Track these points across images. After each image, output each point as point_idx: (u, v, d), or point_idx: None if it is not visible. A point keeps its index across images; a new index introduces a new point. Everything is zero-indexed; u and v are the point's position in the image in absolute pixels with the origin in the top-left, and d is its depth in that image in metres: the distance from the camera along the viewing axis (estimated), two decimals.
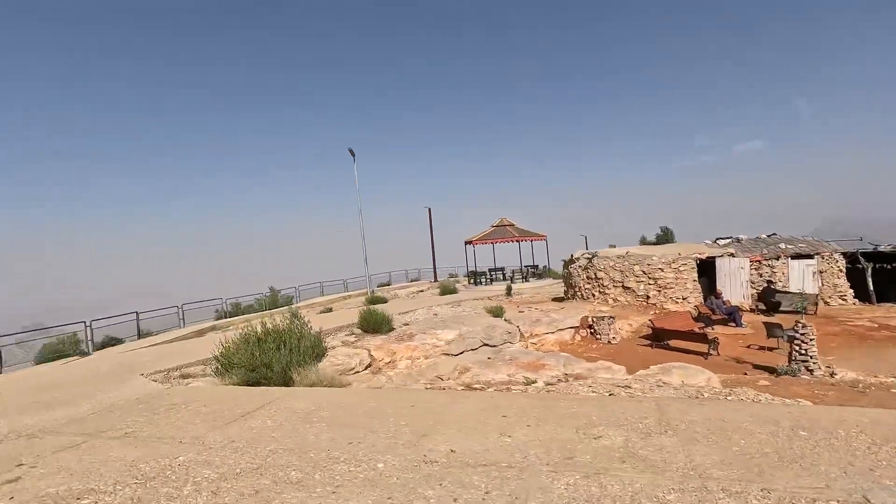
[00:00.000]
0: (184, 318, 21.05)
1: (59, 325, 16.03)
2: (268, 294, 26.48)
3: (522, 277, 29.71)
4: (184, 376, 8.90)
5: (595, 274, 17.54)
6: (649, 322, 14.31)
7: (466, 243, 30.31)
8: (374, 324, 12.98)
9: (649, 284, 16.26)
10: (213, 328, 20.09)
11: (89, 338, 16.13)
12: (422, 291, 31.91)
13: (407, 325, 14.41)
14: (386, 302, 21.03)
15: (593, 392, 5.95)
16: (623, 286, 16.79)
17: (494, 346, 13.05)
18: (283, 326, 7.48)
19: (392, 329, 13.52)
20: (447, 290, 25.43)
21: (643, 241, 29.40)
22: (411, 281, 39.15)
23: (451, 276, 41.52)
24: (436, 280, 35.96)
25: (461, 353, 12.56)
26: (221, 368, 6.86)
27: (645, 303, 16.31)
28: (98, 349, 16.36)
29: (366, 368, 11.27)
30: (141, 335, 18.59)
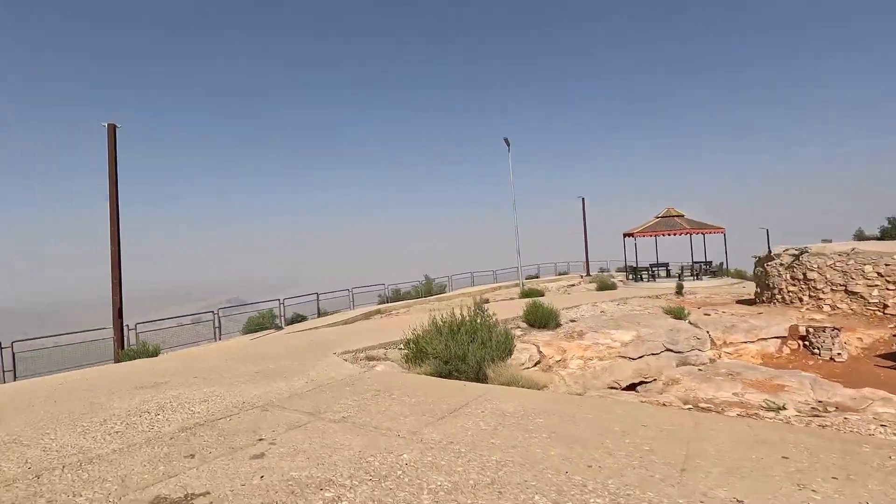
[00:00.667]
0: (353, 301, 22.88)
1: (258, 302, 18.43)
2: (423, 282, 27.57)
3: (693, 275, 26.34)
4: (368, 358, 9.25)
5: (804, 274, 14.45)
6: None
7: (625, 235, 27.93)
8: (540, 318, 12.31)
9: (888, 289, 12.81)
10: (378, 312, 21.46)
11: (282, 314, 18.33)
12: (573, 285, 30.36)
13: (574, 321, 13.45)
14: (543, 295, 20.21)
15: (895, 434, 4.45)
16: (846, 290, 13.52)
17: (680, 352, 11.43)
18: (464, 317, 7.19)
19: (559, 325, 12.70)
20: (605, 286, 23.65)
21: (859, 236, 23.79)
22: (559, 274, 37.68)
23: (602, 270, 38.98)
24: (588, 274, 33.99)
25: (640, 356, 11.24)
26: (412, 356, 6.79)
27: (881, 312, 12.90)
28: (288, 324, 18.51)
29: (535, 365, 10.66)
30: (320, 314, 20.61)
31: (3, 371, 11.34)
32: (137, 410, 5.36)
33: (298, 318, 19.41)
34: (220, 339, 15.93)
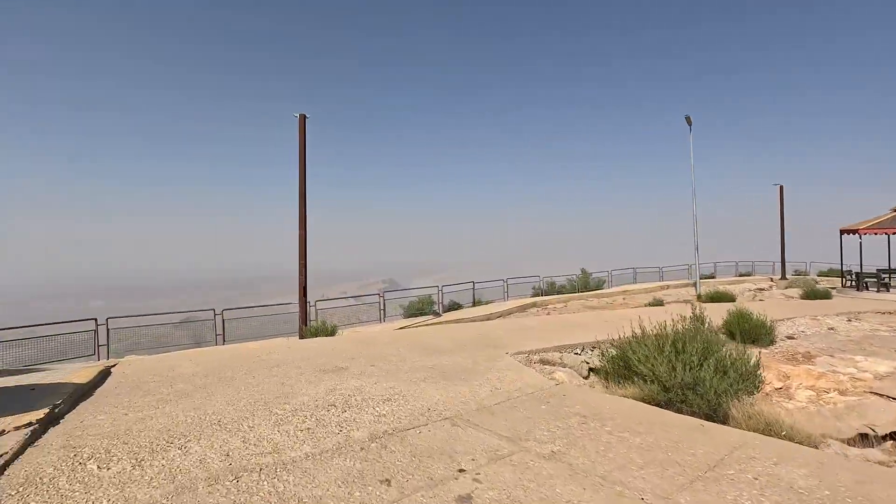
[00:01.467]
0: (507, 292, 22.17)
1: (416, 288, 18.73)
2: (579, 276, 25.68)
3: None
4: (543, 362, 8.25)
5: None
6: None
7: (844, 232, 22.30)
8: (749, 331, 9.94)
9: None
10: (533, 304, 20.38)
11: (440, 301, 18.41)
12: (762, 290, 25.46)
13: (792, 338, 10.69)
14: (733, 300, 17.01)
15: None
16: None
17: None
18: (688, 330, 5.67)
19: (772, 341, 10.16)
20: (814, 293, 19.09)
21: None
22: (741, 275, 32.16)
23: (798, 273, 32.24)
24: (784, 277, 28.33)
25: None
26: (612, 370, 5.57)
27: None
28: (445, 311, 18.53)
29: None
30: (475, 303, 20.31)
31: (216, 335, 13.06)
32: (324, 402, 5.11)
33: (454, 306, 19.33)
34: (384, 320, 16.50)
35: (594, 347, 9.50)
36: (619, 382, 5.62)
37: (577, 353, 9.27)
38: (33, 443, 4.00)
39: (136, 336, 12.91)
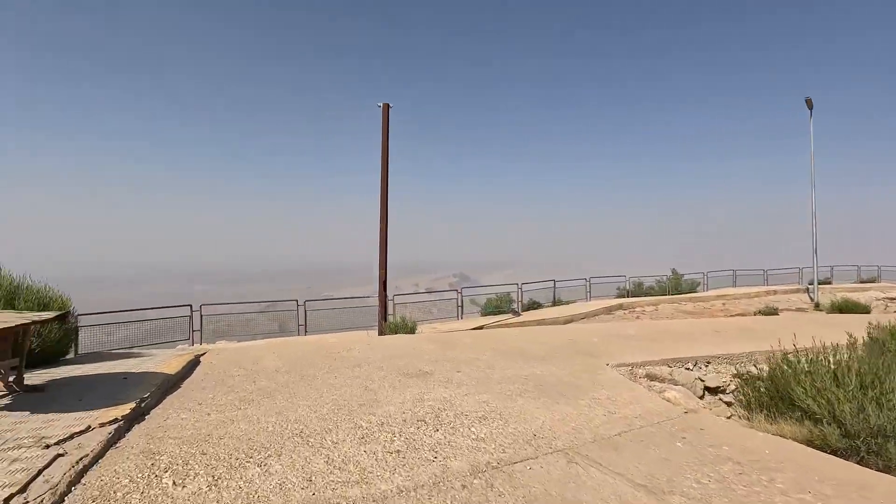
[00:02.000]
0: (590, 292, 20.76)
1: (496, 285, 17.97)
2: (669, 277, 23.54)
3: None
4: (650, 377, 7.17)
5: None
6: None
7: None
8: None
9: None
10: (619, 307, 18.87)
11: (519, 299, 17.52)
12: (895, 300, 21.92)
13: None
14: (867, 311, 14.53)
15: None
16: None
17: None
18: (861, 355, 4.40)
19: None
20: None
21: None
22: (863, 281, 27.99)
23: None
24: None
25: None
26: (753, 398, 4.46)
27: None
28: (524, 310, 17.61)
29: None
30: (555, 302, 19.18)
31: (299, 325, 13.19)
32: (413, 416, 4.52)
33: (534, 305, 18.34)
34: (461, 317, 15.93)
35: (708, 363, 8.23)
36: (769, 414, 4.50)
37: (688, 369, 8.06)
38: (115, 443, 3.77)
39: (227, 322, 13.35)
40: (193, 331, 12.17)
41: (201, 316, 12.27)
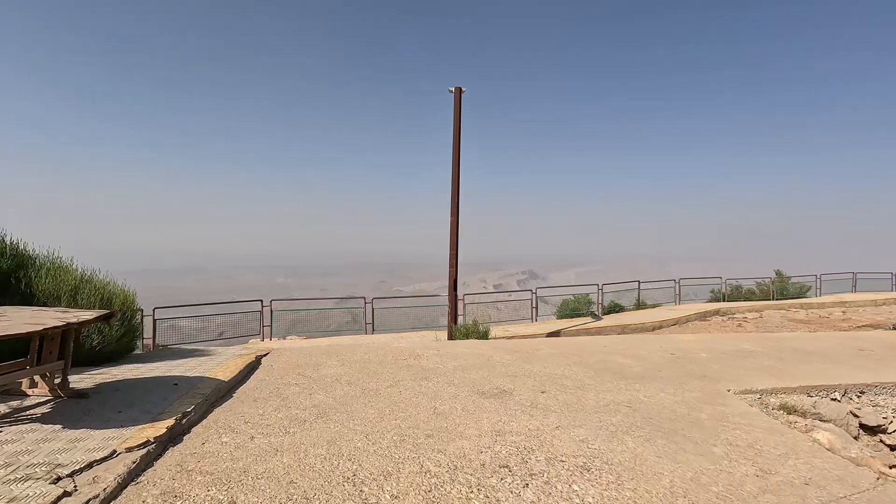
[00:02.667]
0: (679, 295, 18.61)
1: (571, 286, 16.49)
2: (774, 279, 20.64)
3: None
4: (786, 409, 5.63)
5: None
6: None
7: None
8: None
9: None
10: (716, 312, 16.67)
11: (599, 301, 15.94)
12: None
13: None
14: None
15: None
16: None
17: None
18: None
19: None
20: None
21: None
22: None
23: None
24: None
25: None
26: None
27: None
28: (605, 313, 16.01)
29: None
30: (639, 306, 17.33)
31: (367, 323, 12.70)
32: (493, 459, 3.51)
33: (615, 308, 16.65)
34: (535, 319, 14.70)
35: (861, 392, 6.49)
36: None
37: (834, 399, 6.38)
38: (138, 476, 3.12)
39: (297, 318, 13.16)
40: (264, 326, 12.04)
41: (272, 312, 12.11)
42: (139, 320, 6.99)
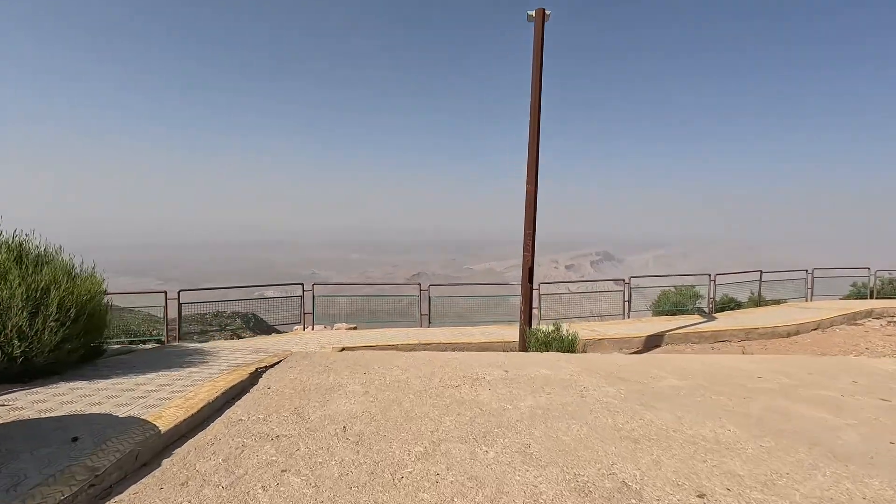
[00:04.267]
0: (812, 289, 14.62)
1: (678, 275, 13.26)
2: None
3: None
4: None
5: None
6: None
7: None
8: None
9: None
10: (868, 312, 12.69)
11: (710, 295, 12.61)
12: None
13: None
14: None
15: None
16: None
17: None
18: None
19: None
20: None
21: None
22: None
23: None
24: None
25: None
26: None
27: None
28: (717, 310, 12.67)
29: None
30: (759, 301, 13.70)
31: (421, 315, 10.60)
32: None
33: (729, 303, 13.20)
34: (628, 315, 11.79)
35: None
36: None
37: None
38: None
39: (344, 305, 11.36)
40: (305, 313, 10.33)
41: (313, 297, 10.34)
42: (107, 309, 5.27)
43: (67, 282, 4.27)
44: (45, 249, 4.70)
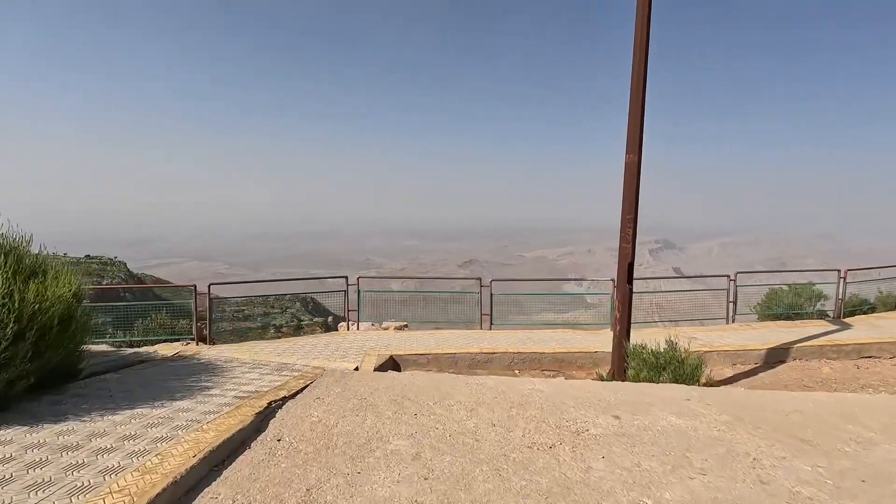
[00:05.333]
0: None
1: (798, 271, 10.76)
2: None
3: None
4: None
5: None
6: None
7: None
8: None
9: None
10: None
11: (838, 295, 10.07)
12: None
13: None
14: None
15: None
16: None
17: None
18: None
19: None
20: None
21: None
22: None
23: None
24: None
25: None
26: None
27: None
28: (847, 314, 10.12)
29: None
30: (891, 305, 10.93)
31: (481, 315, 8.96)
32: None
33: (860, 305, 10.55)
34: (732, 320, 9.55)
35: None
36: None
37: None
38: None
39: (392, 298, 9.95)
40: (349, 310, 9.00)
41: (358, 292, 8.97)
42: (86, 318, 4.03)
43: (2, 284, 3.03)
44: None
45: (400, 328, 9.69)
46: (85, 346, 4.19)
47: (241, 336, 8.87)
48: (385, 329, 9.42)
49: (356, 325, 9.11)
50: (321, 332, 8.54)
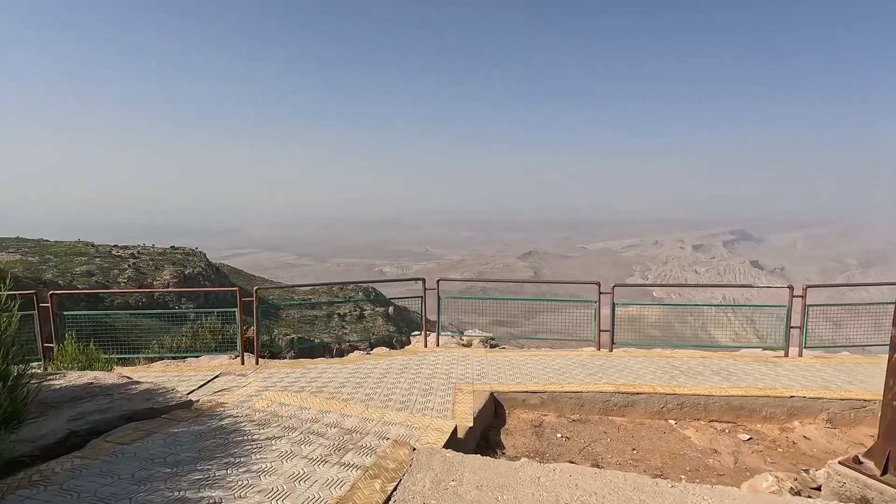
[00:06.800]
0: None
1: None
2: None
3: None
4: None
5: None
6: None
7: None
8: None
9: None
10: None
11: None
12: None
13: None
14: None
15: None
16: None
17: None
18: None
19: None
20: None
21: None
22: None
23: None
24: None
25: None
26: None
27: None
28: None
29: None
30: None
31: (599, 330, 6.73)
32: None
33: None
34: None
35: None
36: None
37: None
38: None
39: (474, 305, 7.95)
40: (426, 320, 7.11)
41: (438, 298, 7.04)
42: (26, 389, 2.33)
43: None
44: None
45: (485, 342, 7.70)
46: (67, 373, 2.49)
47: (297, 343, 7.27)
48: (468, 346, 7.45)
49: (435, 339, 7.20)
50: (392, 357, 6.72)
